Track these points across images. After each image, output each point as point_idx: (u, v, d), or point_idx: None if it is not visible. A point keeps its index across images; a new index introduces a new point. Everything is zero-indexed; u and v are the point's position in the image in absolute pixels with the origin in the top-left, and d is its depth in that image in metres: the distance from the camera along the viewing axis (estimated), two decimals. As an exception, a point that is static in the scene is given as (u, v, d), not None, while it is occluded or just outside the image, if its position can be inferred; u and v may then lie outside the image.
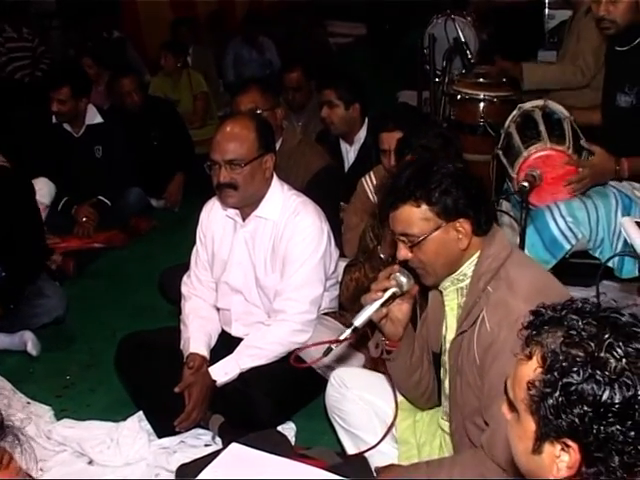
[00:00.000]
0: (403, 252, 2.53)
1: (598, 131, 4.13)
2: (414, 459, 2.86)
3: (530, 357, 1.54)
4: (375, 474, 2.88)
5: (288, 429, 3.55)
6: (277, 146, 4.19)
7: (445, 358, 2.68)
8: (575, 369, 1.45)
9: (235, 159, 3.38)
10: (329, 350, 2.66)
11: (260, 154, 3.45)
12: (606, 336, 1.47)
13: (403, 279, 2.55)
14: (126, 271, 5.49)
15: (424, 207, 2.45)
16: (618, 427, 1.42)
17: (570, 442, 1.47)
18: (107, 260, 5.66)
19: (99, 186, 5.91)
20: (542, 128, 3.89)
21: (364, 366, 3.53)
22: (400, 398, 2.94)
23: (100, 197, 5.89)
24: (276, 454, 2.85)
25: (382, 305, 2.56)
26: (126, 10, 9.84)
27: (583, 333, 1.49)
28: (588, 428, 1.43)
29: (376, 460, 2.95)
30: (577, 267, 3.86)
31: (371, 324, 2.66)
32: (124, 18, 9.78)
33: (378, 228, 3.74)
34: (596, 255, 3.87)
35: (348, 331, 2.53)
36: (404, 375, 2.77)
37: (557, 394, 1.46)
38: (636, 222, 2.82)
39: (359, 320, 2.53)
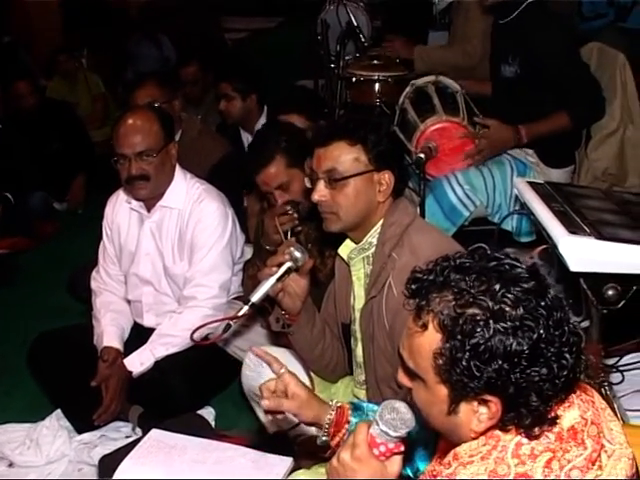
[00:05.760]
0: (320, 193, 2.56)
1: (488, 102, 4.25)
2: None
3: (425, 327, 1.52)
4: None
5: (207, 413, 3.58)
6: (177, 138, 4.20)
7: (355, 327, 2.73)
8: (478, 329, 1.44)
9: (145, 150, 3.40)
10: (228, 326, 2.64)
11: (166, 143, 3.48)
12: (495, 287, 1.47)
13: (298, 254, 2.54)
14: (33, 275, 5.41)
15: (358, 147, 2.52)
16: (532, 370, 1.44)
17: (489, 397, 1.48)
18: (13, 265, 5.55)
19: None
20: (436, 101, 4.01)
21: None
22: None
23: (5, 194, 5.80)
24: (196, 436, 2.87)
25: (278, 280, 2.54)
26: (16, 14, 9.63)
27: (472, 290, 1.48)
28: (505, 380, 1.44)
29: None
30: (477, 234, 3.96)
31: (272, 299, 2.67)
32: (14, 22, 9.58)
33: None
34: (495, 220, 3.99)
35: (246, 307, 2.51)
36: (307, 347, 2.80)
37: (467, 356, 1.45)
38: (528, 182, 2.92)
39: (256, 296, 2.51)
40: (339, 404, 2.15)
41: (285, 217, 3.40)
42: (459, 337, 1.46)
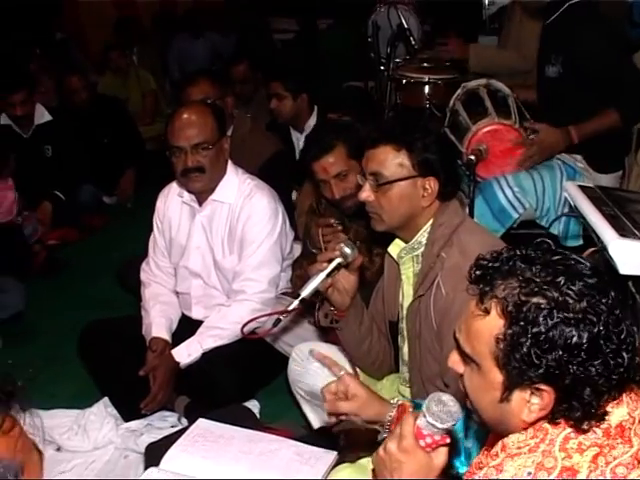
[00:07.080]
0: (366, 193, 2.61)
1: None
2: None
3: (488, 312, 1.54)
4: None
5: (252, 406, 3.60)
6: (228, 134, 4.25)
7: (402, 325, 2.76)
8: (542, 317, 1.47)
9: (202, 142, 3.45)
10: (278, 321, 2.72)
11: (220, 137, 3.54)
12: (560, 279, 1.49)
13: (348, 250, 2.56)
14: (82, 267, 5.50)
15: (403, 153, 2.54)
16: (590, 363, 1.46)
17: (544, 386, 1.50)
18: (63, 256, 5.64)
19: (50, 186, 5.90)
20: (488, 104, 4.01)
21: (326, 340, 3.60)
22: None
23: (55, 192, 5.89)
24: (242, 427, 2.90)
25: (328, 275, 2.58)
26: (68, 11, 9.77)
27: (537, 280, 1.50)
28: (563, 371, 1.47)
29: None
30: (525, 238, 3.96)
31: (321, 295, 2.71)
32: (67, 20, 9.71)
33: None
34: (543, 224, 4.00)
35: (296, 302, 2.56)
36: (354, 344, 2.83)
37: (528, 344, 1.47)
38: (578, 186, 2.93)
39: (306, 291, 2.55)
40: (400, 401, 2.19)
41: (329, 229, 3.44)
42: (522, 324, 1.48)
